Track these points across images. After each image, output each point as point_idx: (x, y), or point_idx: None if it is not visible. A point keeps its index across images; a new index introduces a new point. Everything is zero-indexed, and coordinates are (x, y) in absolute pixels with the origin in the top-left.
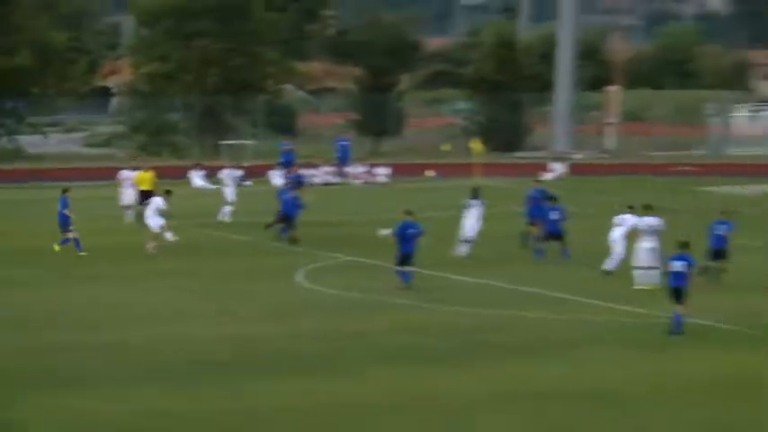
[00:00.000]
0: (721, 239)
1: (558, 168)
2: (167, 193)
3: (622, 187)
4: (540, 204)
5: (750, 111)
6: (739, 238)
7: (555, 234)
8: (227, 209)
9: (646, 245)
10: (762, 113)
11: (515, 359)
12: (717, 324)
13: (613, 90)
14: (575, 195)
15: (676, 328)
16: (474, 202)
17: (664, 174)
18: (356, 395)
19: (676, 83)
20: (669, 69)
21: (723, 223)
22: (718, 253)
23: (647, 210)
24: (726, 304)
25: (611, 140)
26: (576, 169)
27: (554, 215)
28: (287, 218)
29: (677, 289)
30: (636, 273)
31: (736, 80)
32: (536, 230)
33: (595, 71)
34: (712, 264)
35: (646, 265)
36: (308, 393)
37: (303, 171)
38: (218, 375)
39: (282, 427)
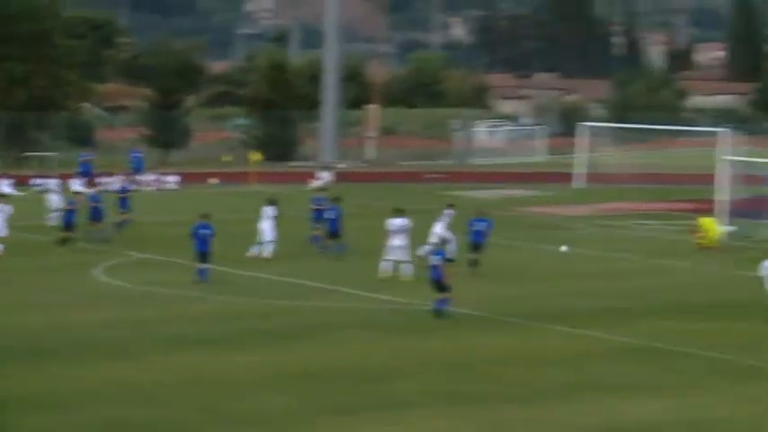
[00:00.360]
0: (480, 234)
1: (325, 176)
2: None
3: (383, 193)
4: (321, 209)
5: (489, 126)
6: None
7: (332, 232)
8: (54, 215)
9: (396, 242)
10: (499, 128)
11: (286, 343)
12: (472, 312)
13: (372, 108)
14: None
15: (440, 312)
16: (269, 208)
17: (417, 181)
18: (141, 375)
19: (426, 102)
20: (420, 90)
21: (481, 221)
22: (477, 246)
23: (397, 212)
24: (479, 293)
25: (370, 152)
26: (341, 177)
27: (331, 214)
28: (68, 222)
29: (437, 280)
30: (382, 264)
31: (477, 100)
32: (319, 232)
33: (357, 92)
34: (472, 256)
35: (394, 259)
36: (97, 377)
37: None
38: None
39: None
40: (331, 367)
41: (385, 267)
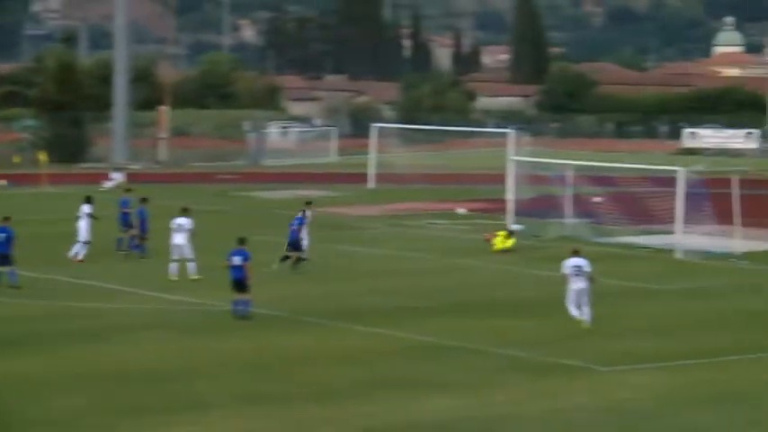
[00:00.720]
0: (296, 233)
1: (117, 177)
2: None
3: (177, 194)
4: (127, 212)
5: (281, 127)
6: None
7: (141, 233)
8: None
9: (178, 240)
10: (291, 129)
11: (82, 345)
12: (271, 312)
13: (163, 109)
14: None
15: (242, 314)
16: (86, 207)
17: (210, 181)
18: None
19: (218, 103)
20: (211, 92)
21: (296, 219)
22: (294, 244)
23: (183, 212)
24: (277, 293)
25: (162, 153)
26: (133, 178)
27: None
28: None
29: (238, 280)
30: (171, 265)
31: (268, 101)
32: (130, 234)
33: (148, 92)
34: (293, 253)
35: (179, 258)
36: None
37: None
38: None
39: None
40: (127, 369)
41: (173, 269)
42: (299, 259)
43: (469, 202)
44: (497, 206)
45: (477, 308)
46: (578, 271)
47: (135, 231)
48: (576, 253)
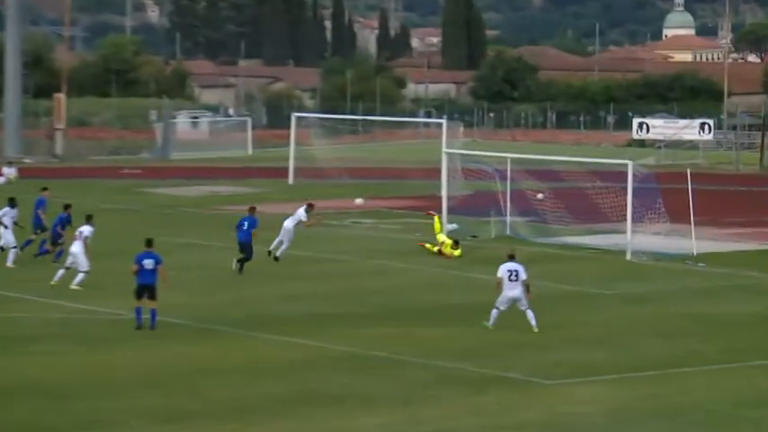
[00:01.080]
0: (247, 234)
1: (9, 172)
2: None
3: (76, 190)
4: (39, 213)
5: (191, 117)
6: (190, 236)
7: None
8: None
9: (72, 248)
10: (202, 119)
11: None
12: (177, 321)
13: (60, 97)
14: (27, 198)
15: (152, 325)
16: (10, 210)
17: (113, 177)
18: None
19: (121, 90)
20: (113, 78)
21: (247, 219)
22: (245, 246)
23: (87, 219)
24: (185, 300)
25: (59, 145)
26: (27, 173)
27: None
28: None
29: (148, 286)
30: (60, 272)
31: (176, 88)
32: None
33: (43, 79)
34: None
35: (71, 264)
36: None
37: None
38: None
39: None
40: (24, 384)
41: (58, 275)
42: (245, 260)
43: (399, 198)
44: (429, 203)
45: (407, 314)
46: (514, 276)
47: (47, 234)
48: (511, 257)
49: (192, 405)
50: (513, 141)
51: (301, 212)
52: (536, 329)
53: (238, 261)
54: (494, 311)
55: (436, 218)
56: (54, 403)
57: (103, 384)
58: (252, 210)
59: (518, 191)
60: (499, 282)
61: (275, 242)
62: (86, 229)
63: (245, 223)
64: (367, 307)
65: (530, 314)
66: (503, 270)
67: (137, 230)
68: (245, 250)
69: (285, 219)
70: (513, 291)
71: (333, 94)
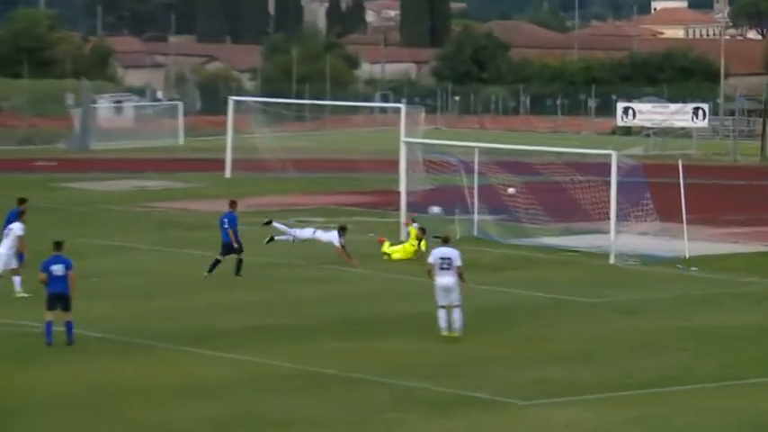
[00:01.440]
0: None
1: None
2: None
3: None
4: None
5: (114, 102)
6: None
7: None
8: None
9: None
10: (127, 104)
11: None
12: (96, 334)
13: None
14: None
15: (68, 339)
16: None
17: (25, 170)
18: None
19: (33, 71)
20: (24, 57)
21: (227, 215)
22: (229, 247)
23: (19, 216)
24: (105, 310)
25: None
26: None
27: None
28: None
29: (60, 295)
30: None
31: (97, 69)
32: None
33: None
34: (228, 256)
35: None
36: None
37: None
38: None
39: None
40: None
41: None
42: (240, 261)
43: (351, 194)
44: (386, 199)
45: (361, 326)
46: (446, 264)
47: None
48: (446, 241)
49: (116, 430)
50: (482, 129)
51: (334, 235)
52: (458, 333)
53: (236, 265)
54: (440, 313)
55: (412, 229)
56: None
57: (17, 407)
58: (232, 204)
59: (487, 185)
60: (430, 269)
61: (284, 237)
62: (15, 227)
63: (225, 220)
64: (315, 318)
65: (456, 314)
66: (434, 256)
67: (51, 232)
68: (231, 250)
69: (316, 230)
70: (444, 278)
71: (276, 75)
